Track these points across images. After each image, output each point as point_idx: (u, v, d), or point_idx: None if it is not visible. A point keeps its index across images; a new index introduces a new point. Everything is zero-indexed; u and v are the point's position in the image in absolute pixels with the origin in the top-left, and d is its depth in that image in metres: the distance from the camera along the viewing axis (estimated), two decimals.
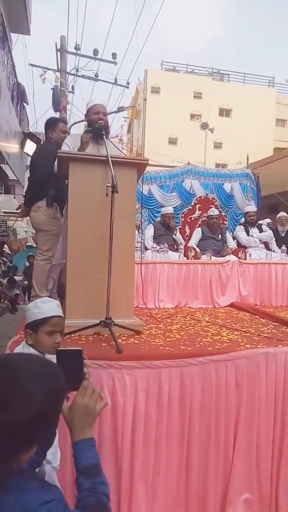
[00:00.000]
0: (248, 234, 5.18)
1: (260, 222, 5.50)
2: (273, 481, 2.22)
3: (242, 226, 5.35)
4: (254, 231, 5.23)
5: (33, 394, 0.78)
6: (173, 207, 6.13)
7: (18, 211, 3.64)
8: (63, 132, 3.29)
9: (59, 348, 1.14)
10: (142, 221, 5.94)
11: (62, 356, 1.08)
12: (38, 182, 3.14)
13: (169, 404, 2.02)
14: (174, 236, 4.96)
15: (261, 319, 3.35)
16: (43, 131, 3.58)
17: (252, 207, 5.61)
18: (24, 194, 3.28)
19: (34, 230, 3.44)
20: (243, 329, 2.82)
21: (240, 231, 5.24)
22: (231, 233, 5.37)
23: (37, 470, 1.32)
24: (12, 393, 0.76)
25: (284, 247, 4.99)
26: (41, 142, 6.04)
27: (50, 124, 3.34)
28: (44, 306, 1.60)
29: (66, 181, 2.75)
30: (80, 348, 1.12)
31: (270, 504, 2.20)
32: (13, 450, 0.78)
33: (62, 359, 1.06)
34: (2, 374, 0.79)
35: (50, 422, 0.86)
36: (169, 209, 5.20)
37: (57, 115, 9.67)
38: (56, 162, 2.79)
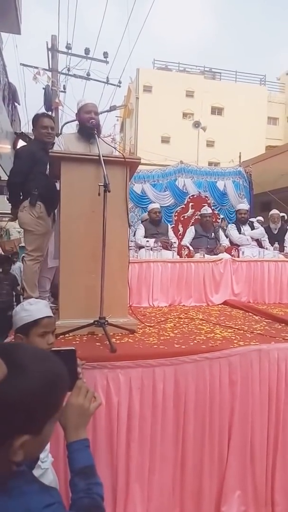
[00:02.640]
0: (239, 232, 5.20)
1: (251, 219, 5.53)
2: (268, 478, 2.23)
3: (234, 224, 5.37)
4: (245, 228, 5.26)
5: (30, 371, 0.76)
6: (166, 206, 6.15)
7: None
8: (43, 128, 3.20)
9: (53, 349, 1.14)
10: (136, 219, 5.95)
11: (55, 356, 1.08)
12: (10, 184, 3.16)
13: (164, 402, 2.02)
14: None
15: (254, 316, 3.37)
16: None
17: (243, 205, 5.64)
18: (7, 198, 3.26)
19: None
20: (237, 327, 2.84)
21: (232, 230, 5.27)
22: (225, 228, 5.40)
23: None
24: (8, 365, 0.74)
25: (276, 245, 5.02)
26: None
27: (33, 121, 3.30)
28: (32, 308, 1.55)
29: (57, 180, 2.74)
30: (73, 348, 1.12)
31: (266, 501, 2.21)
32: (7, 430, 0.73)
33: None
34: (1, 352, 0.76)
35: (47, 414, 0.80)
36: (154, 205, 5.21)
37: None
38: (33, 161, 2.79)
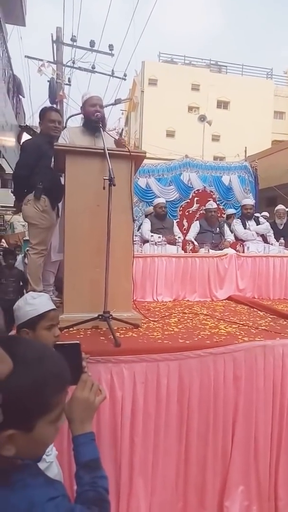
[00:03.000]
0: (245, 227, 5.17)
1: (256, 215, 5.50)
2: (271, 473, 2.23)
3: (239, 219, 5.34)
4: (251, 224, 5.22)
5: (29, 368, 0.75)
6: (171, 200, 6.13)
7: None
8: (51, 121, 3.20)
9: (57, 342, 1.14)
10: (140, 214, 5.94)
11: (60, 350, 1.07)
12: (16, 177, 3.16)
13: (168, 397, 2.02)
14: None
15: (258, 312, 3.36)
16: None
17: (249, 200, 5.60)
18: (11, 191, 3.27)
19: None
20: (241, 322, 2.82)
21: (237, 225, 5.24)
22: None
23: None
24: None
25: (282, 240, 4.99)
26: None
27: (40, 115, 3.29)
28: (37, 302, 1.53)
29: (62, 174, 2.73)
30: (78, 342, 1.12)
31: (269, 496, 2.21)
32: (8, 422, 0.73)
33: (61, 354, 1.06)
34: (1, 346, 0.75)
35: (38, 411, 0.78)
36: (159, 200, 5.20)
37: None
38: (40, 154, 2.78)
